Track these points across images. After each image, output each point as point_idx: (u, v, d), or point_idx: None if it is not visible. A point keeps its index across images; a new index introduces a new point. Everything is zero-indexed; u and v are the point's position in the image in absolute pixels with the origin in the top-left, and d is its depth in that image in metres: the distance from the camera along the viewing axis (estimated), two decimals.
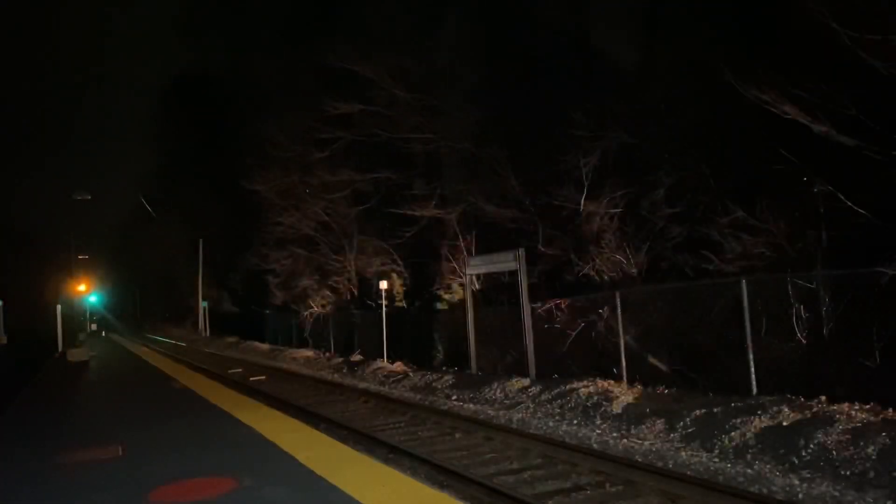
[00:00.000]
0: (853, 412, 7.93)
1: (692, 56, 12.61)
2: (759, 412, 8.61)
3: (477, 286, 18.41)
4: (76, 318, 44.91)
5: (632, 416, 9.97)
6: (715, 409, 9.14)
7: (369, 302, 23.54)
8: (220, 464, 6.68)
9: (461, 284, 18.77)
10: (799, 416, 8.23)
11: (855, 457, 7.08)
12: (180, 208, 48.57)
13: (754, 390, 9.43)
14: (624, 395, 10.88)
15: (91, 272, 54.74)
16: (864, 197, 9.61)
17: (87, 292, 49.81)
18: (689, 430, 8.88)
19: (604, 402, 10.77)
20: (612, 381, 11.70)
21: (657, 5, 14.38)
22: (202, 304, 45.77)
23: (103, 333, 54.68)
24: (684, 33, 13.19)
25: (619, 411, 10.31)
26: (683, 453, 8.31)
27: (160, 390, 14.27)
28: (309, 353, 25.60)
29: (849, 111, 8.89)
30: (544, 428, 10.41)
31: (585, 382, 11.85)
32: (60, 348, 29.52)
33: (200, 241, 44.89)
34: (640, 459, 8.20)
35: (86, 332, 45.32)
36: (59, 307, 31.35)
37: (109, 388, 16.37)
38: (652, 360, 12.21)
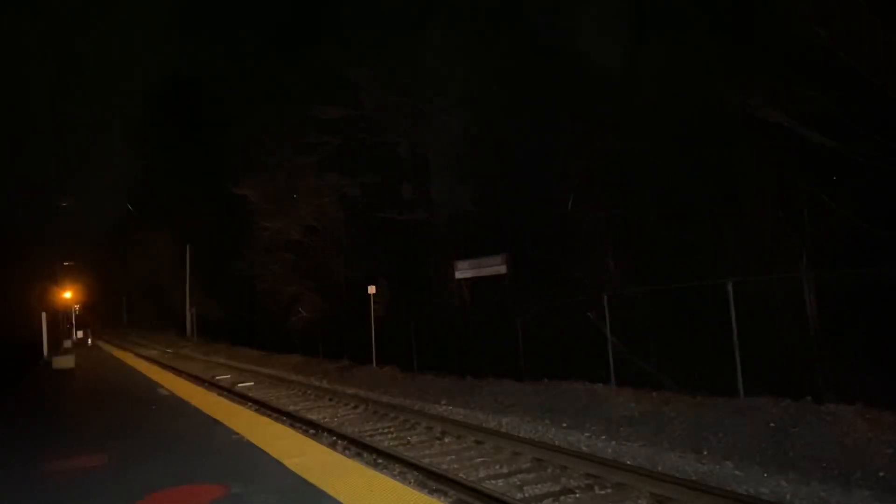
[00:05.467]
0: (839, 412, 8.00)
1: (678, 61, 12.71)
2: (746, 413, 8.67)
3: (466, 289, 18.42)
4: (62, 325, 44.46)
5: (621, 419, 10.00)
6: (703, 411, 9.20)
7: (358, 306, 23.47)
8: (209, 471, 6.62)
9: (450, 288, 18.77)
10: (786, 417, 8.29)
11: (841, 457, 7.14)
12: (167, 214, 48.29)
13: (741, 391, 9.48)
14: (613, 397, 10.92)
15: (77, 279, 54.25)
16: (848, 199, 9.72)
17: (72, 299, 49.34)
18: (678, 432, 8.92)
19: (593, 405, 10.80)
20: (601, 384, 11.74)
21: (643, 10, 14.47)
22: (190, 310, 45.47)
23: (89, 341, 54.10)
24: (670, 38, 13.29)
25: (609, 414, 10.34)
26: (672, 455, 8.34)
27: (147, 397, 14.14)
28: (298, 358, 25.50)
29: (832, 114, 8.99)
30: (534, 431, 10.42)
31: (575, 385, 11.88)
32: (45, 355, 29.21)
33: (188, 246, 44.60)
34: (629, 462, 8.22)
35: (71, 339, 44.87)
36: (43, 314, 31.05)
37: (95, 395, 16.20)
38: (640, 362, 12.25)
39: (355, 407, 14.25)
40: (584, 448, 9.15)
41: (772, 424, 8.21)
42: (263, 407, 14.79)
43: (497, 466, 8.52)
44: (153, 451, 7.94)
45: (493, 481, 7.77)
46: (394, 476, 6.96)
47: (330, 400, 15.70)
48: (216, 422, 9.79)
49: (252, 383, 20.35)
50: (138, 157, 59.01)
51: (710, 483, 7.14)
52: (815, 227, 10.28)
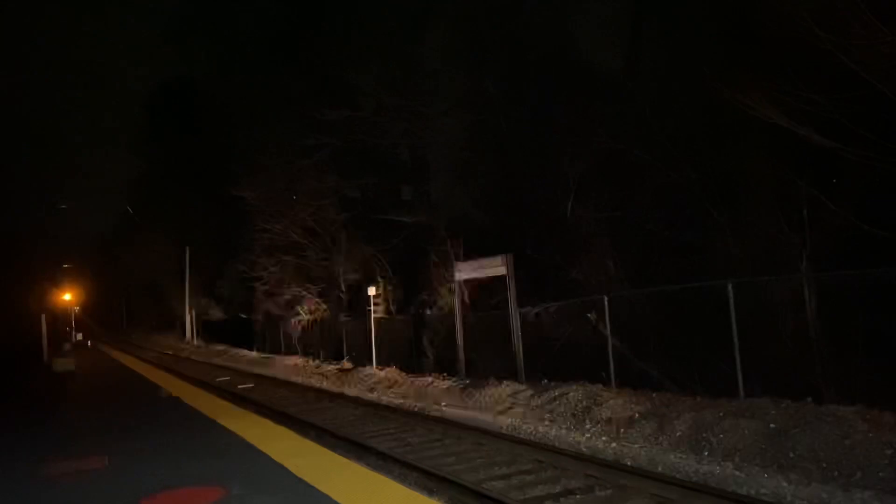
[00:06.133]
0: (840, 413, 7.99)
1: (676, 61, 12.72)
2: (746, 414, 8.66)
3: (465, 291, 18.41)
4: (61, 327, 44.43)
5: (621, 420, 9.99)
6: (703, 412, 9.18)
7: (358, 308, 23.47)
8: (209, 473, 6.62)
9: (450, 290, 18.76)
10: (786, 418, 8.28)
11: (842, 458, 7.14)
12: (166, 216, 48.21)
13: (742, 392, 9.48)
14: (613, 398, 10.90)
15: (76, 281, 54.24)
16: (848, 199, 9.72)
17: (72, 301, 49.31)
18: (678, 434, 8.90)
19: (593, 406, 10.79)
20: (601, 385, 11.72)
21: (641, 11, 14.49)
22: (189, 313, 45.44)
23: (89, 343, 54.06)
24: (668, 39, 13.30)
25: (609, 415, 10.33)
26: (673, 456, 8.33)
27: (146, 399, 14.14)
28: (298, 360, 25.48)
29: (830, 114, 8.99)
30: (534, 433, 10.42)
31: (575, 386, 11.87)
32: (45, 358, 29.19)
33: (187, 248, 44.56)
34: (629, 463, 8.23)
35: (71, 341, 44.81)
36: (43, 316, 31.02)
37: (95, 397, 16.20)
38: (640, 363, 12.25)
39: (355, 408, 14.25)
40: (585, 449, 9.14)
41: (772, 425, 8.20)
42: (263, 409, 14.77)
43: (497, 468, 8.52)
44: (153, 452, 7.94)
45: (494, 483, 7.77)
46: (394, 478, 6.96)
47: (330, 401, 15.70)
48: (216, 423, 9.80)
49: (252, 385, 20.34)
50: (137, 159, 58.80)
51: (711, 484, 7.14)
52: (815, 228, 10.29)
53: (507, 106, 17.23)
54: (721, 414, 8.94)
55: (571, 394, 11.54)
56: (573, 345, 13.32)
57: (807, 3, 8.72)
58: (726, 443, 8.24)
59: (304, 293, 27.28)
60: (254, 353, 31.44)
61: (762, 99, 9.60)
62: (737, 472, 7.49)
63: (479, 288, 17.76)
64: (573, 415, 10.81)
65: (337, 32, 22.78)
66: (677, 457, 8.29)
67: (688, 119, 12.24)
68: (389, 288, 22.89)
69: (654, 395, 10.72)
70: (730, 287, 9.79)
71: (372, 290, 19.66)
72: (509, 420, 11.38)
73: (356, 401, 15.07)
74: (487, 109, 17.65)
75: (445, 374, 16.33)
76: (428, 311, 20.70)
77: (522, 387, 13.02)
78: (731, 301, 9.75)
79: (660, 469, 7.89)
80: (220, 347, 37.42)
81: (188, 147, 43.72)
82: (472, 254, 17.33)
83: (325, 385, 19.09)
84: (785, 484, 6.96)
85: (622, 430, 9.62)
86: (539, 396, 12.03)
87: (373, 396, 15.82)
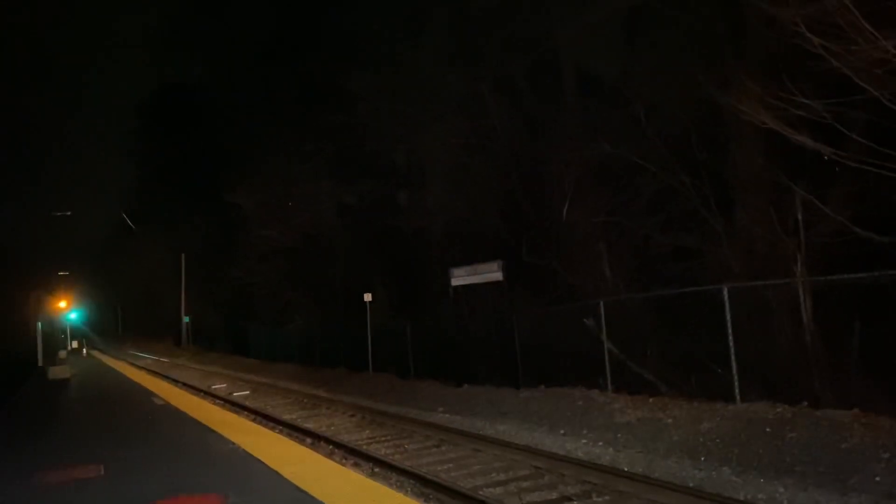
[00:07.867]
0: (836, 417, 8.01)
1: (671, 66, 12.77)
2: (743, 419, 8.68)
3: (462, 296, 18.41)
4: (57, 335, 44.26)
5: (618, 425, 10.00)
6: (700, 417, 9.20)
7: (354, 314, 23.44)
8: (205, 481, 6.60)
9: (446, 295, 18.76)
10: (782, 423, 8.30)
11: (838, 462, 7.15)
12: (162, 222, 48.16)
13: (738, 397, 9.49)
14: (610, 404, 10.92)
15: (72, 288, 54.00)
16: (842, 204, 9.76)
17: (67, 309, 49.11)
18: (675, 438, 8.92)
19: (590, 412, 10.80)
20: (597, 391, 11.73)
21: (636, 16, 14.54)
22: (185, 319, 45.35)
23: (84, 350, 53.84)
24: (663, 44, 13.35)
25: (606, 420, 10.34)
26: (669, 461, 8.33)
27: (142, 407, 14.09)
28: (294, 366, 25.44)
29: (824, 119, 9.03)
30: (531, 439, 10.41)
31: (572, 392, 11.88)
32: (41, 365, 29.08)
33: (183, 255, 44.49)
34: (626, 469, 8.22)
35: (66, 349, 44.64)
36: (39, 324, 30.92)
37: (90, 405, 16.13)
38: (636, 368, 12.25)
39: (352, 415, 14.22)
40: (582, 455, 9.14)
41: (768, 430, 8.22)
42: (260, 416, 14.74)
43: (495, 474, 8.50)
44: (149, 461, 7.90)
45: (491, 489, 7.76)
46: (391, 485, 6.96)
47: (327, 408, 15.66)
48: (212, 431, 9.76)
49: (248, 392, 20.28)
50: (133, 166, 58.80)
51: (708, 489, 7.14)
52: (810, 232, 10.33)
53: (502, 110, 17.28)
54: (717, 418, 8.96)
55: (568, 399, 11.55)
56: (570, 350, 13.32)
57: (800, 9, 8.77)
58: (723, 447, 8.26)
59: (301, 299, 27.29)
60: (250, 360, 31.35)
61: (757, 104, 9.64)
62: (734, 477, 7.49)
63: (475, 293, 17.76)
64: (570, 420, 10.81)
65: (333, 38, 22.84)
66: (674, 462, 8.29)
67: (683, 124, 12.28)
68: (386, 293, 22.88)
69: (651, 399, 10.74)
70: (725, 291, 9.81)
71: (368, 296, 19.64)
72: (506, 426, 11.37)
73: (353, 407, 15.04)
74: (483, 114, 17.69)
75: (443, 379, 16.31)
76: (424, 317, 20.68)
77: (519, 392, 13.03)
78: (727, 305, 9.76)
79: (657, 474, 7.88)
80: (217, 354, 37.36)
81: (184, 153, 43.70)
82: (468, 259, 17.33)
83: (321, 391, 19.04)
84: (781, 489, 6.97)
85: (619, 436, 9.62)
86: (536, 401, 12.03)
87: (370, 402, 15.78)
